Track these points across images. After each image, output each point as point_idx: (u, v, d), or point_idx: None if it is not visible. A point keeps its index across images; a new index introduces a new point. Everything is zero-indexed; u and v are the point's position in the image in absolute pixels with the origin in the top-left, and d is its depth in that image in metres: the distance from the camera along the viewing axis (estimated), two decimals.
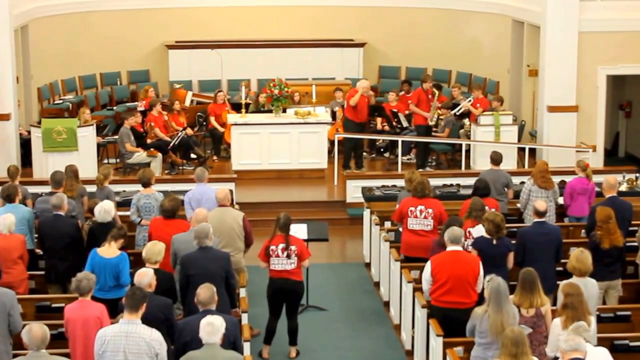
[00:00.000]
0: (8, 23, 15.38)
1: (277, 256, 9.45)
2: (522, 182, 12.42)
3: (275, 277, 9.53)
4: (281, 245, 9.44)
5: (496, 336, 7.44)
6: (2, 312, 7.69)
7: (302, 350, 9.91)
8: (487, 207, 10.45)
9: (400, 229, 10.90)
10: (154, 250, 8.53)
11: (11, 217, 9.51)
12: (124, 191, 12.82)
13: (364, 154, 16.80)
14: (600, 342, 7.59)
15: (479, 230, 9.60)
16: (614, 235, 9.62)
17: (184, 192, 11.42)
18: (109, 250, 8.98)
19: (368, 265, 12.43)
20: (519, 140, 16.11)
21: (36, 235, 10.23)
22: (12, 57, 15.57)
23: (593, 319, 7.73)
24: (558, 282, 8.67)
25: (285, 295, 9.59)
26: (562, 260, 9.47)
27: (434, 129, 16.03)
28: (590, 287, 8.27)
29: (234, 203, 11.81)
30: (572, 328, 7.12)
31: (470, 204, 10.07)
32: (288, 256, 9.43)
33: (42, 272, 10.00)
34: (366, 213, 12.56)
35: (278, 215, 9.61)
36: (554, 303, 8.68)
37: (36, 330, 6.74)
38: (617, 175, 13.01)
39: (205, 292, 7.46)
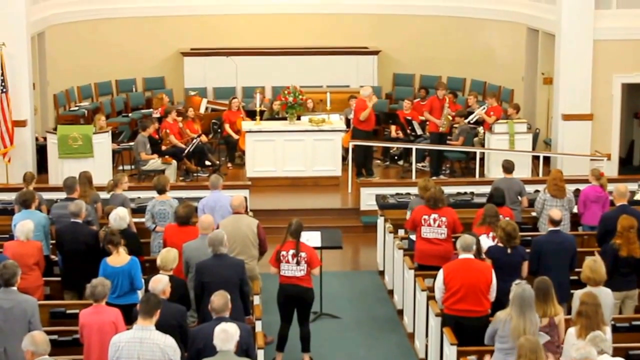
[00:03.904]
0: (25, 30, 15.46)
1: (287, 262, 9.45)
2: (537, 191, 12.40)
3: (284, 283, 9.54)
4: (291, 251, 9.43)
5: (517, 341, 7.39)
6: (23, 319, 7.70)
7: (316, 358, 9.89)
8: (501, 216, 10.45)
9: (413, 237, 10.89)
10: (168, 257, 8.55)
11: (30, 224, 9.53)
12: (139, 198, 12.88)
13: (378, 161, 16.81)
14: (615, 352, 7.54)
15: (485, 241, 9.60)
16: (632, 245, 9.57)
17: (198, 199, 11.46)
18: (119, 258, 8.99)
19: (382, 273, 12.42)
20: (534, 148, 16.07)
21: (52, 242, 10.28)
22: (29, 64, 15.65)
23: (608, 329, 7.70)
24: (572, 291, 8.64)
25: (296, 301, 9.58)
26: (577, 269, 9.44)
27: (448, 137, 16.02)
28: (604, 297, 8.22)
29: (248, 210, 11.83)
30: (589, 338, 7.10)
31: (484, 210, 10.07)
32: (297, 262, 9.42)
33: (57, 279, 10.04)
34: (380, 221, 12.56)
35: (290, 221, 9.63)
36: (568, 312, 8.66)
37: (39, 336, 6.77)
38: (632, 184, 13.03)
39: (220, 299, 7.47)
